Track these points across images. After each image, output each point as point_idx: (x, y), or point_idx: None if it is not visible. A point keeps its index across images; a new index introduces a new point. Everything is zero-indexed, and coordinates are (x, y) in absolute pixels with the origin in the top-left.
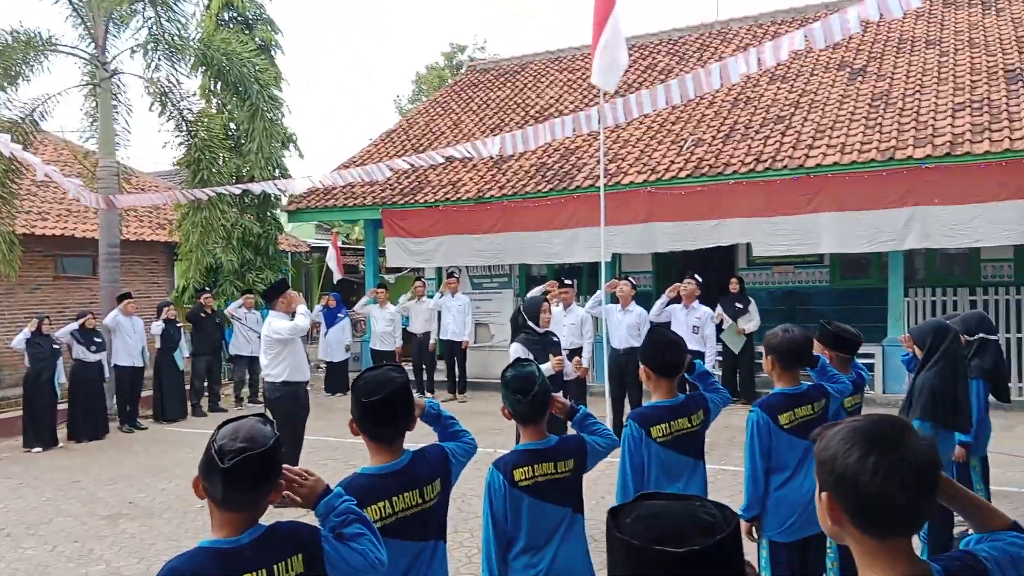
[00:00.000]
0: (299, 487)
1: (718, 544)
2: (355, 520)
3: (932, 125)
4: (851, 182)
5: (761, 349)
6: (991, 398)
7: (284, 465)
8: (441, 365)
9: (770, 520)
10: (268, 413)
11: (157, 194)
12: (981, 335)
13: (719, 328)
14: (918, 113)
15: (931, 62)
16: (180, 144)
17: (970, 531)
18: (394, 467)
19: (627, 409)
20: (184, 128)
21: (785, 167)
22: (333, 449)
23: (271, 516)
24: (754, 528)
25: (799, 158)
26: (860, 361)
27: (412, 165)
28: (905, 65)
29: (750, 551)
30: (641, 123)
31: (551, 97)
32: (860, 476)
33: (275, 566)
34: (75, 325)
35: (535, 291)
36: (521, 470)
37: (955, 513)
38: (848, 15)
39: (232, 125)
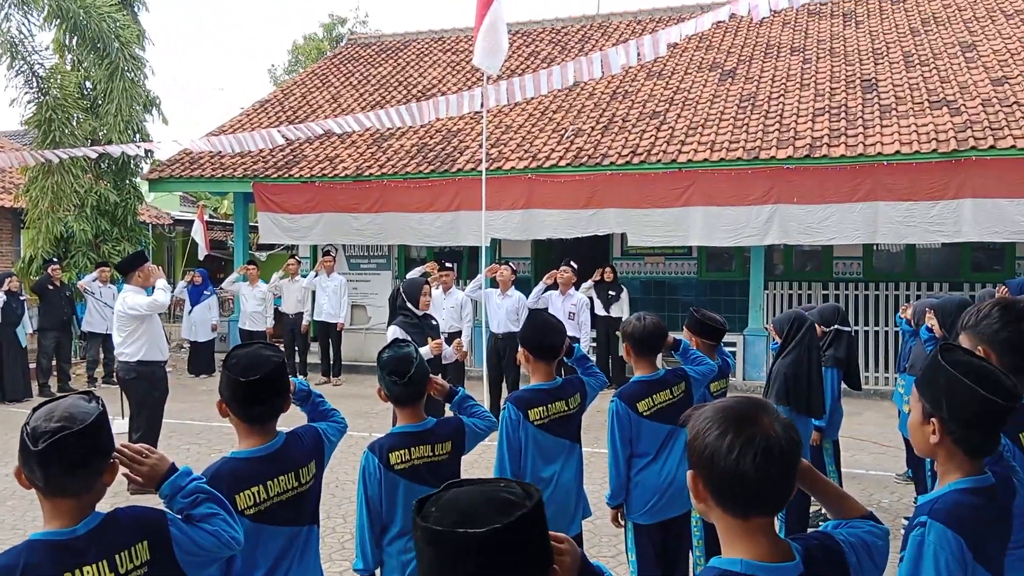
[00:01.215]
0: (138, 466)
1: (518, 520)
2: (205, 499)
3: (794, 128)
4: (719, 178)
5: None
6: (843, 386)
7: (122, 443)
8: (314, 347)
9: (633, 503)
10: (122, 394)
11: (2, 154)
12: (836, 326)
13: (594, 315)
14: (781, 116)
15: (795, 68)
16: (30, 102)
17: (824, 512)
18: (267, 450)
19: (505, 393)
20: (35, 84)
21: (659, 161)
22: (196, 434)
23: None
24: (619, 514)
25: (672, 153)
26: (727, 353)
27: (288, 139)
28: (771, 70)
29: (616, 532)
30: (523, 110)
31: (434, 77)
32: (718, 454)
33: (117, 556)
34: None
35: (415, 272)
36: (397, 453)
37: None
38: (719, 12)
39: (89, 84)
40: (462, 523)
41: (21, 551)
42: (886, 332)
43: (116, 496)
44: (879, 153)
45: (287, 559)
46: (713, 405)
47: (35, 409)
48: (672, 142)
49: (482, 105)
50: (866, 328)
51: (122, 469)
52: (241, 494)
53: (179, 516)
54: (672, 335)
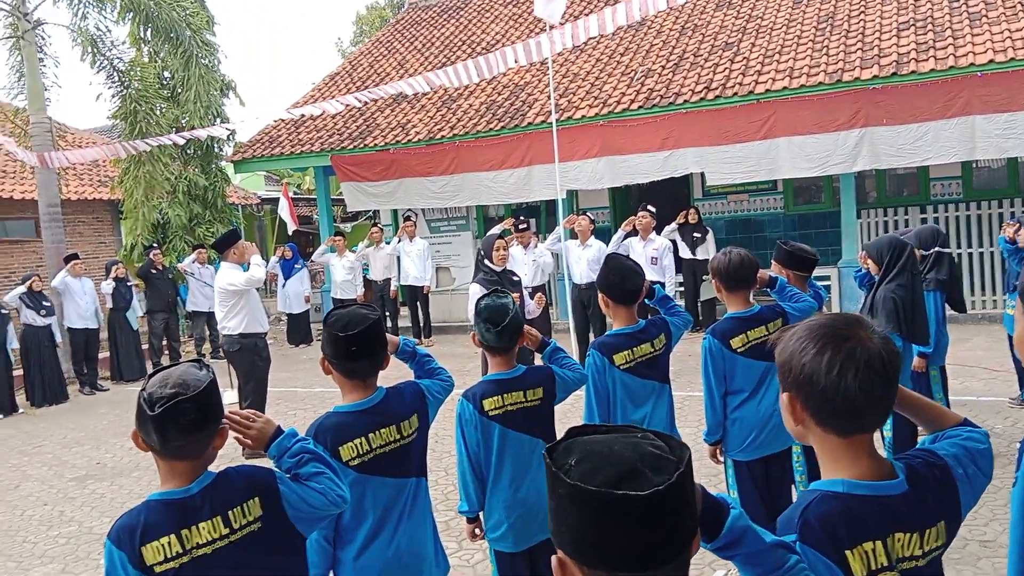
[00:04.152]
0: (247, 430)
1: (679, 481)
2: (311, 459)
3: (878, 45)
4: (801, 106)
5: None
6: (948, 310)
7: (230, 409)
8: (404, 311)
9: (731, 440)
10: (229, 367)
11: (95, 148)
12: (936, 249)
13: (679, 259)
14: (863, 34)
15: None
16: (113, 96)
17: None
18: (368, 403)
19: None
20: (116, 79)
21: (736, 94)
22: (301, 400)
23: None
24: (717, 451)
25: (749, 84)
26: (819, 285)
27: (363, 101)
28: None
29: (717, 471)
30: (590, 56)
31: (497, 33)
32: (816, 373)
33: (230, 512)
34: (23, 288)
35: (493, 230)
36: (491, 400)
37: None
38: None
39: (167, 74)
40: (619, 482)
41: (140, 511)
42: (991, 253)
43: (233, 462)
44: (971, 64)
45: (396, 510)
46: (804, 324)
47: (150, 376)
48: (748, 73)
49: (548, 50)
50: (969, 250)
51: (232, 433)
52: (344, 446)
53: (287, 475)
54: (767, 272)
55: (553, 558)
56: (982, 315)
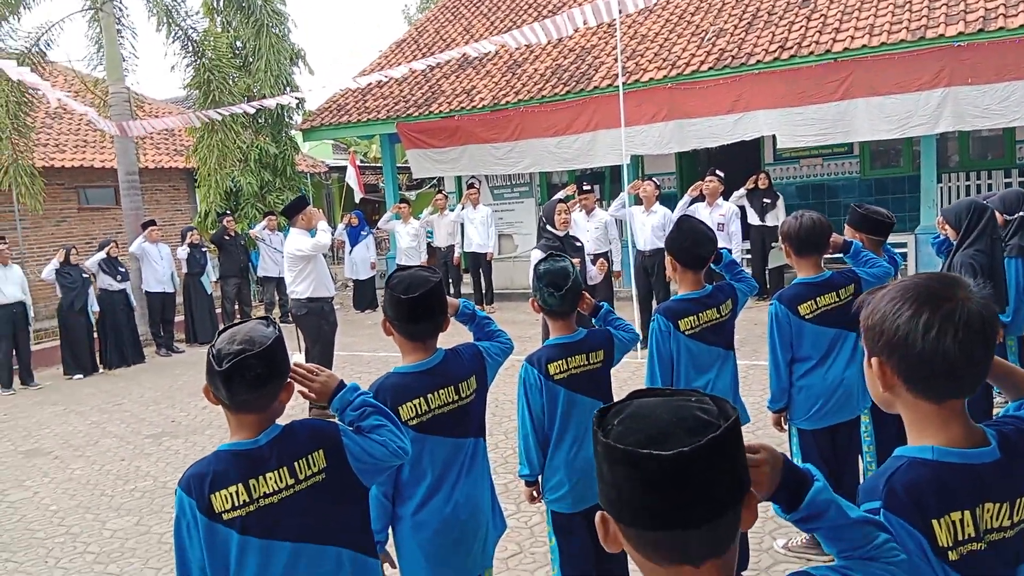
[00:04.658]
0: (311, 383)
1: (711, 443)
2: (373, 412)
3: (964, 0)
4: (881, 65)
5: None
6: None
7: (294, 362)
8: (467, 278)
9: (797, 409)
10: (297, 330)
11: (171, 117)
12: (1021, 214)
13: (747, 225)
14: None
15: None
16: (188, 66)
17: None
18: (428, 364)
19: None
20: (190, 48)
21: (812, 53)
22: (366, 363)
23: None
24: (781, 418)
25: (826, 43)
26: (894, 251)
27: (429, 66)
28: None
29: (782, 440)
30: (659, 16)
31: None
32: (912, 335)
33: (296, 463)
34: (102, 254)
35: (557, 195)
36: (555, 364)
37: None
38: None
39: (239, 43)
40: (648, 443)
41: (210, 461)
42: None
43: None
44: None
45: (454, 469)
46: (897, 284)
47: (219, 333)
48: (825, 31)
49: (617, 9)
50: None
51: (297, 387)
52: (404, 405)
53: (350, 427)
54: (842, 237)
55: (597, 513)
56: None
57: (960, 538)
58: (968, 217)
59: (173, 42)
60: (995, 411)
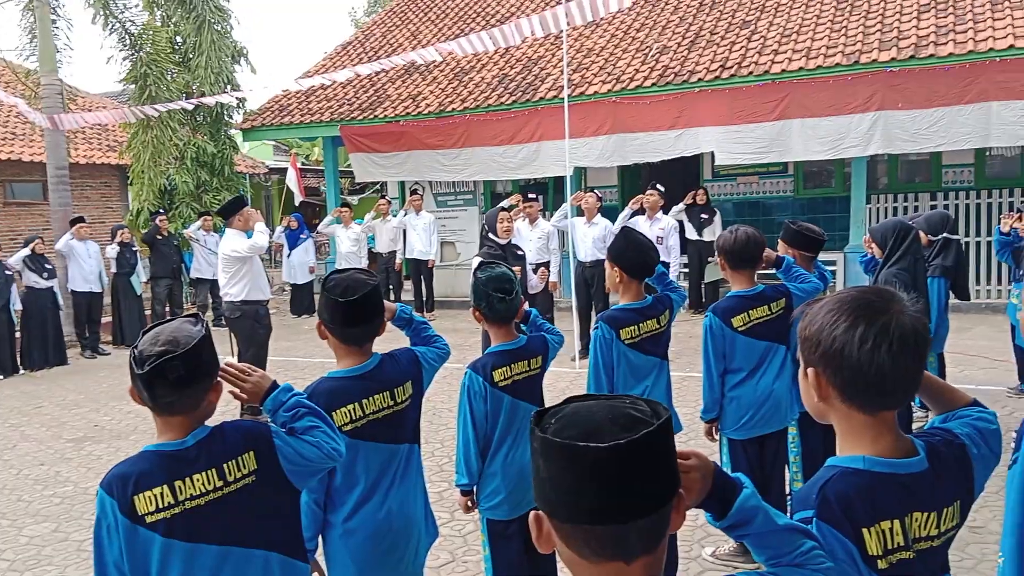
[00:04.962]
0: (242, 383)
1: (645, 438)
2: (306, 413)
3: (898, 28)
4: (817, 88)
5: None
6: (952, 298)
7: (227, 361)
8: (408, 285)
9: (727, 419)
10: (231, 334)
11: (104, 112)
12: (944, 235)
13: (684, 239)
14: (883, 15)
15: None
16: (124, 59)
17: (928, 417)
18: (363, 369)
19: (594, 320)
20: (128, 42)
21: (751, 74)
22: (301, 369)
23: None
24: (713, 428)
25: (765, 64)
26: (824, 267)
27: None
28: None
29: (714, 450)
30: (605, 31)
31: (512, 5)
32: (848, 346)
33: (225, 465)
34: (27, 251)
35: (500, 204)
36: (500, 370)
37: (911, 406)
38: None
39: (179, 39)
40: (584, 437)
41: (134, 461)
42: None
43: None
44: (991, 49)
45: (388, 476)
46: (834, 297)
47: (143, 333)
48: (764, 52)
49: (563, 27)
50: (978, 239)
51: (228, 387)
52: (337, 411)
53: (282, 429)
54: (775, 253)
55: (531, 513)
56: (986, 304)
57: (889, 547)
58: (893, 237)
59: (110, 34)
60: (913, 426)
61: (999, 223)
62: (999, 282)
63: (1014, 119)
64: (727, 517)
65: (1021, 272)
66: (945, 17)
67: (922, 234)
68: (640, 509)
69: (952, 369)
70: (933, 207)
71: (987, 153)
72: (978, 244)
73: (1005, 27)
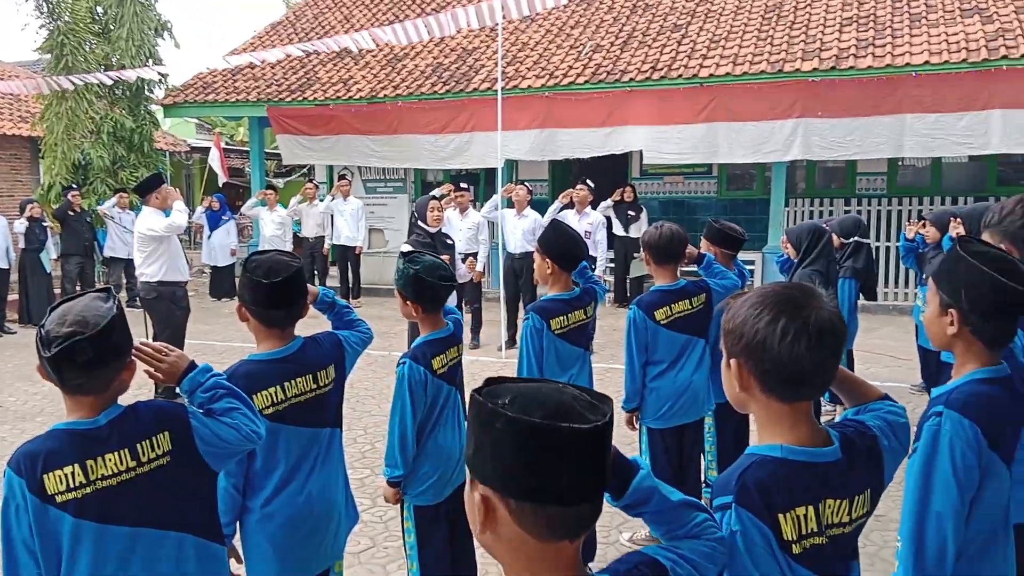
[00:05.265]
0: (158, 363)
1: (610, 420)
2: (225, 394)
3: (820, 39)
4: (742, 93)
5: None
6: (861, 299)
7: (141, 341)
8: (334, 271)
9: (647, 409)
10: (145, 315)
11: (17, 81)
12: (855, 238)
13: (612, 235)
14: (808, 26)
15: None
16: (41, 27)
17: (838, 413)
18: (284, 352)
19: (521, 312)
20: (45, 10)
21: (680, 76)
22: (219, 353)
23: None
24: (634, 417)
25: (694, 68)
26: (743, 266)
27: (307, 52)
28: None
29: (632, 438)
30: (540, 26)
31: None
32: (770, 339)
33: (138, 445)
34: None
35: (431, 193)
36: (438, 359)
37: (820, 400)
38: None
39: (99, 9)
40: (559, 417)
41: (43, 439)
42: None
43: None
44: (907, 64)
45: (309, 459)
46: (757, 291)
47: (51, 310)
48: (694, 56)
49: (499, 19)
50: (887, 244)
51: (143, 366)
52: (258, 394)
53: (200, 410)
54: (696, 250)
55: (476, 495)
56: (893, 306)
57: (803, 532)
58: (808, 239)
59: (26, 1)
60: (822, 419)
61: (904, 229)
62: (906, 285)
63: (926, 131)
64: (625, 496)
65: (925, 276)
66: (866, 31)
67: (835, 237)
68: (597, 489)
69: (859, 366)
70: (848, 212)
71: (900, 163)
72: (887, 249)
73: (921, 43)
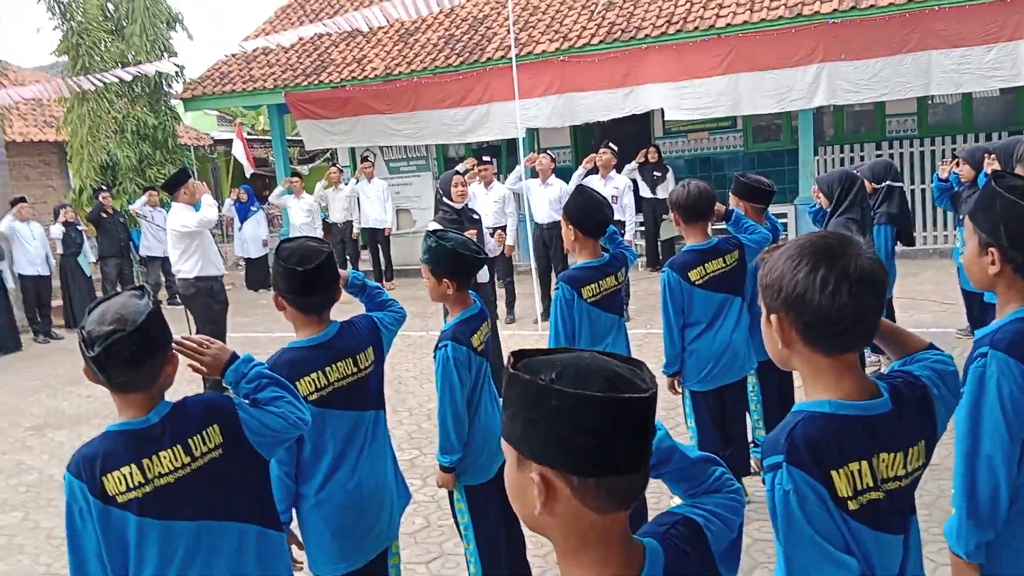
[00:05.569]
0: (201, 355)
1: (656, 387)
2: (269, 384)
3: None
4: (760, 41)
5: None
6: (898, 245)
7: (182, 335)
8: (365, 255)
9: (689, 372)
10: (186, 312)
11: (38, 85)
12: (888, 182)
13: (639, 197)
14: None
15: None
16: (55, 29)
17: (883, 364)
18: (323, 338)
19: (554, 282)
20: (57, 11)
21: (696, 28)
22: (262, 345)
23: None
24: (675, 382)
25: (710, 18)
26: (775, 219)
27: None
28: None
29: (676, 402)
30: None
31: None
32: (810, 290)
33: (190, 440)
34: None
35: (455, 168)
36: (476, 336)
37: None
38: None
39: (110, 6)
40: (613, 388)
41: (99, 442)
42: None
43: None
44: None
45: (356, 443)
46: (793, 243)
47: (89, 311)
48: (709, 7)
49: None
50: (923, 186)
51: (186, 360)
52: (301, 380)
53: (246, 400)
54: (723, 206)
55: (534, 475)
56: (933, 250)
57: (859, 487)
58: (840, 187)
59: (38, 3)
60: (867, 371)
61: (938, 170)
62: (944, 227)
63: (953, 67)
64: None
65: (962, 216)
66: None
67: (866, 182)
68: (648, 454)
69: (901, 314)
70: (879, 156)
71: (929, 102)
72: (923, 191)
73: None
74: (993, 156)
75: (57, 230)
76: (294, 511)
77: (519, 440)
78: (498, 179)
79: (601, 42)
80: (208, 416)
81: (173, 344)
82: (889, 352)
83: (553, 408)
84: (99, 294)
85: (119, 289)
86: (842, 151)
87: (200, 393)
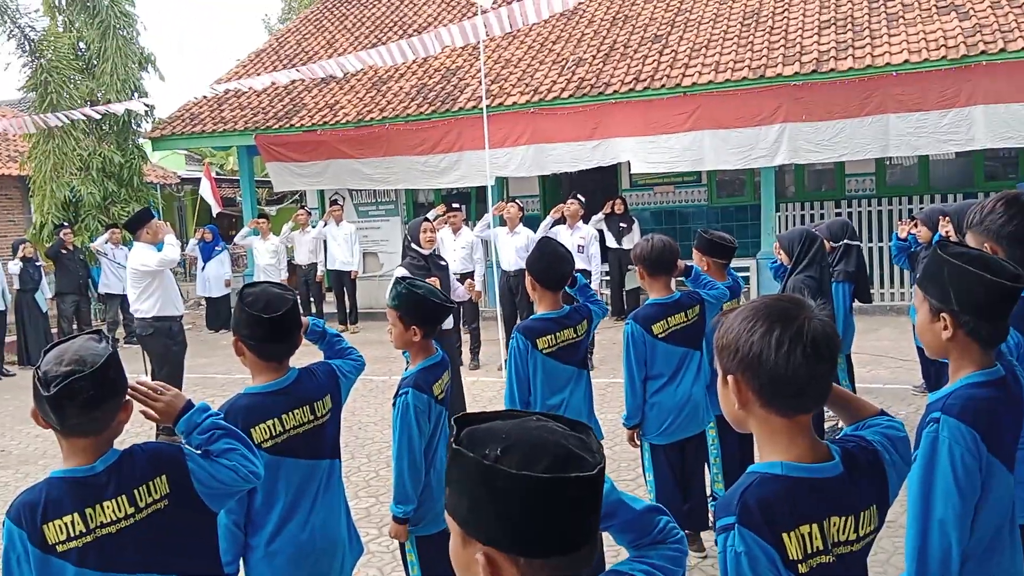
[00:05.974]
0: (154, 403)
1: (603, 457)
2: (223, 435)
3: (800, 43)
4: (725, 100)
5: None
6: (856, 302)
7: (139, 380)
8: (330, 297)
9: (649, 425)
10: (143, 353)
11: (2, 120)
12: (845, 241)
13: (605, 248)
14: (787, 31)
15: None
16: (24, 67)
17: (840, 425)
18: (281, 384)
19: None
20: (27, 48)
21: (663, 86)
22: (220, 386)
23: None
24: (635, 434)
25: (676, 77)
26: (737, 274)
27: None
28: None
29: (635, 456)
30: (522, 43)
31: (429, 15)
32: (767, 351)
33: (136, 491)
34: None
35: (424, 216)
36: (437, 385)
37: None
38: None
39: (82, 45)
40: (562, 467)
41: (42, 488)
42: None
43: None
44: (887, 63)
45: (309, 492)
46: (748, 305)
47: (46, 352)
48: (676, 66)
49: (481, 31)
50: (880, 244)
51: (139, 406)
52: (256, 427)
53: (197, 451)
54: (684, 262)
55: (479, 556)
56: (890, 307)
57: (809, 551)
58: (800, 245)
59: (8, 40)
60: (826, 424)
61: (896, 229)
62: (902, 285)
63: (910, 130)
64: None
65: (918, 275)
66: (844, 33)
67: (825, 241)
68: (595, 530)
69: (860, 369)
70: (838, 214)
71: (887, 163)
72: (880, 249)
73: (900, 43)
74: (948, 219)
75: (15, 265)
76: (241, 562)
77: (464, 520)
78: (467, 225)
79: (571, 96)
80: (155, 466)
81: (128, 389)
82: (841, 417)
83: (499, 489)
84: (54, 331)
85: (75, 326)
86: (803, 208)
87: (149, 441)
